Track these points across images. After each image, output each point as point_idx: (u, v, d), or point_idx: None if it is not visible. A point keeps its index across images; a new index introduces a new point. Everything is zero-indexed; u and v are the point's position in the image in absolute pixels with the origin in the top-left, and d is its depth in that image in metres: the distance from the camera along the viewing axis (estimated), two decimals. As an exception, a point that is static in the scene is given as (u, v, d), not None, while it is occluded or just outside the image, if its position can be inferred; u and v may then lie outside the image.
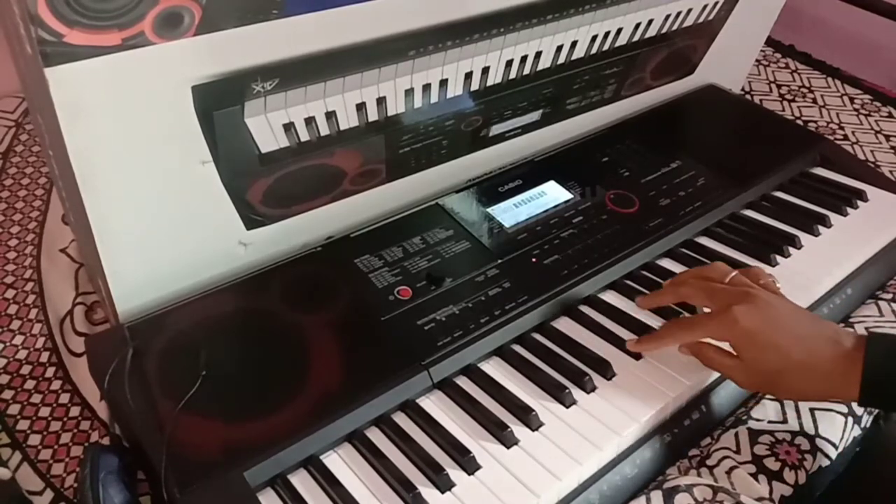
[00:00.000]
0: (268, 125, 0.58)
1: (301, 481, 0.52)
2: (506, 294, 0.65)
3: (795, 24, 1.19)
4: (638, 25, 0.80)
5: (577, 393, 0.59)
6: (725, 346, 0.58)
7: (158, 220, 0.58)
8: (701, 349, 0.59)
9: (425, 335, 0.61)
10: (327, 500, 0.51)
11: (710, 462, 0.58)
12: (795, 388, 0.56)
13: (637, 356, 0.62)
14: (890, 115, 1.06)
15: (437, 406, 0.58)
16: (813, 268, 0.73)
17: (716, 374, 0.62)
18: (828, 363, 0.54)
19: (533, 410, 0.57)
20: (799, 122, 1.05)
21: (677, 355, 0.61)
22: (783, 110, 1.07)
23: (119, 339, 0.59)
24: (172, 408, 0.54)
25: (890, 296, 0.75)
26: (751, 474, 0.57)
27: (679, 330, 0.60)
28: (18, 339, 0.68)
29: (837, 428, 0.61)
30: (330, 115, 0.62)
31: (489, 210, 0.75)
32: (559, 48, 0.74)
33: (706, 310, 0.60)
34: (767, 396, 0.63)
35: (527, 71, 0.73)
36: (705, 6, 0.86)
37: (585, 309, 0.67)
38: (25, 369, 0.65)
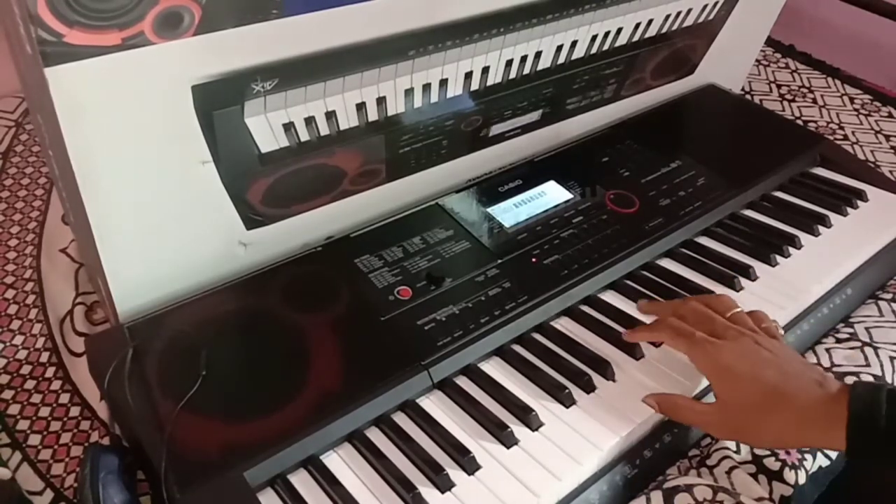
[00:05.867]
0: (268, 125, 0.58)
1: (301, 481, 0.52)
2: (506, 294, 0.65)
3: (795, 24, 1.19)
4: (638, 25, 0.80)
5: (577, 393, 0.59)
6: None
7: (158, 219, 0.58)
8: (673, 405, 0.58)
9: (425, 335, 0.61)
10: (327, 500, 0.51)
11: (710, 462, 0.58)
12: (773, 431, 0.54)
13: (637, 356, 0.62)
14: (890, 115, 1.06)
15: (437, 406, 0.58)
16: (813, 268, 0.73)
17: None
18: (810, 404, 0.52)
19: (533, 410, 0.57)
20: (799, 122, 1.05)
21: (676, 356, 0.61)
22: (783, 110, 1.07)
23: (119, 339, 0.59)
24: (172, 408, 0.54)
25: (890, 296, 0.75)
26: (751, 474, 0.57)
27: (669, 329, 0.60)
28: (18, 339, 0.68)
29: (837, 428, 0.61)
30: (330, 115, 0.62)
31: (489, 210, 0.75)
32: (559, 48, 0.74)
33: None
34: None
35: (527, 71, 0.73)
36: (705, 6, 0.86)
37: (585, 309, 0.68)
38: (25, 369, 0.65)
